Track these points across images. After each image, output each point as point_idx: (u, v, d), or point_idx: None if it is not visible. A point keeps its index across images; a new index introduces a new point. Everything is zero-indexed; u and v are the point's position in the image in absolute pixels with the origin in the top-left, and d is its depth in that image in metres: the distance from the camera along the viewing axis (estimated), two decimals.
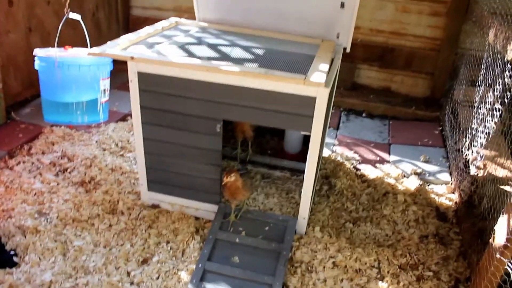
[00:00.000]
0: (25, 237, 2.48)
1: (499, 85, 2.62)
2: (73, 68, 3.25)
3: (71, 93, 3.34)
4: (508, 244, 1.88)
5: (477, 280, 2.12)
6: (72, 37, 3.91)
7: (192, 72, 2.27)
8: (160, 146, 2.53)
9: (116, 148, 3.34)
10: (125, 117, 3.83)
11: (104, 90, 3.43)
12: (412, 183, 3.17)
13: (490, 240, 2.01)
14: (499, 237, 1.95)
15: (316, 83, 2.07)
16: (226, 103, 2.31)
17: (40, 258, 2.36)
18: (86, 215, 2.64)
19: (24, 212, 2.65)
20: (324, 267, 2.38)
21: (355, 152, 3.59)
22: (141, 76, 2.34)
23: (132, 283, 2.25)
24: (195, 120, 2.39)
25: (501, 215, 1.98)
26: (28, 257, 2.36)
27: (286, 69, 2.19)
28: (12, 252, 2.40)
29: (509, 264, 1.89)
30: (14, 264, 2.34)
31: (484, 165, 2.77)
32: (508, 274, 1.91)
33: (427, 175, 3.35)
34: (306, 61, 2.33)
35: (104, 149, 3.31)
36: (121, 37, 2.49)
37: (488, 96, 2.80)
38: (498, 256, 1.92)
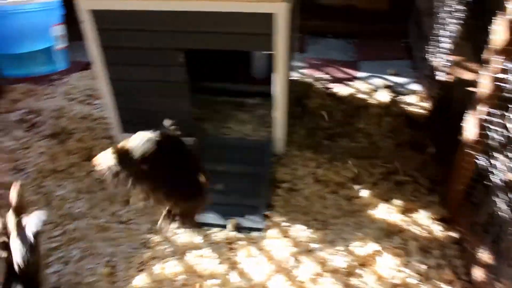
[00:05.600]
0: (5, 191, 2.46)
1: None
2: (19, 16, 3.09)
3: (23, 42, 3.19)
4: (477, 139, 1.94)
5: (452, 179, 2.20)
6: None
7: (146, 3, 2.19)
8: (127, 85, 2.48)
9: (83, 97, 3.26)
10: (87, 66, 3.72)
11: (59, 36, 3.29)
12: (383, 96, 3.20)
13: (461, 138, 2.07)
14: (468, 134, 2.01)
15: None
16: (187, 31, 2.25)
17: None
18: (64, 165, 2.62)
19: (1, 170, 2.61)
20: (306, 184, 2.44)
21: (325, 73, 3.59)
22: (96, 14, 2.25)
23: (120, 222, 2.28)
24: (157, 53, 2.34)
25: (468, 113, 2.03)
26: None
27: None
28: None
29: (479, 158, 1.96)
30: None
31: (451, 70, 2.80)
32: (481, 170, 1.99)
33: (397, 87, 3.38)
34: None
35: (71, 99, 3.24)
36: None
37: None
38: (468, 151, 1.99)
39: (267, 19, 2.14)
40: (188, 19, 2.20)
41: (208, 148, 2.57)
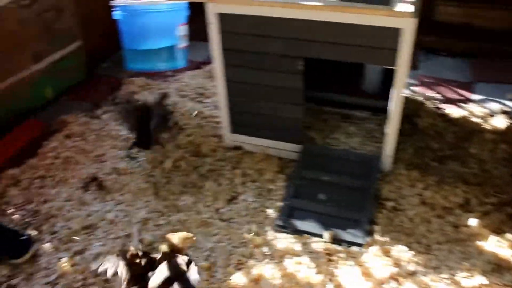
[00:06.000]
0: (119, 176, 2.65)
1: None
2: (151, 15, 3.31)
3: (150, 40, 3.42)
4: None
5: None
6: None
7: (273, 10, 2.24)
8: (242, 88, 2.55)
9: (194, 95, 3.40)
10: (199, 65, 3.88)
11: (182, 36, 3.48)
12: (499, 122, 3.01)
13: None
14: None
15: (402, 13, 1.99)
16: (308, 39, 2.27)
17: (134, 198, 2.50)
18: (172, 158, 2.74)
19: (116, 156, 2.81)
20: (411, 204, 2.36)
21: (437, 92, 3.45)
22: (221, 17, 2.34)
23: (222, 220, 2.34)
24: (276, 59, 2.38)
25: None
26: (123, 197, 2.52)
27: (369, 2, 2.11)
28: (26, 236, 2.26)
29: None
30: (27, 248, 2.21)
31: None
32: None
33: None
34: None
35: (183, 96, 3.39)
36: None
37: None
38: None
39: (394, 33, 2.10)
40: (312, 28, 2.22)
41: (315, 157, 2.57)
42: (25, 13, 3.08)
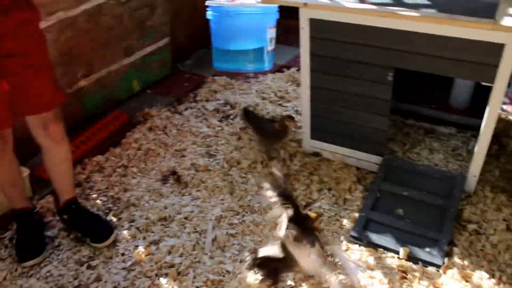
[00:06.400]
0: (197, 172, 2.71)
1: None
2: (242, 17, 3.38)
3: (240, 41, 3.48)
4: None
5: None
6: None
7: (366, 18, 2.20)
8: (326, 94, 2.54)
9: (275, 98, 3.43)
10: (281, 68, 3.90)
11: (271, 38, 3.52)
12: None
13: None
14: None
15: (507, 28, 1.89)
16: (400, 50, 2.22)
17: (210, 195, 2.56)
18: (250, 159, 2.78)
19: (195, 152, 2.88)
20: (495, 230, 2.24)
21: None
22: (313, 22, 2.34)
23: None
24: (366, 67, 2.34)
25: None
26: (200, 193, 2.57)
27: (469, 14, 2.02)
28: (108, 221, 2.40)
29: None
30: (109, 234, 2.31)
31: None
32: None
33: None
34: (490, 7, 2.12)
35: (264, 98, 3.42)
36: None
37: None
38: None
39: (495, 49, 2.00)
40: (406, 38, 2.17)
41: (395, 170, 2.51)
42: (121, 10, 3.23)
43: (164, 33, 3.68)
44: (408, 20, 2.11)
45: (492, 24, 1.92)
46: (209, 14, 3.55)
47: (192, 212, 2.45)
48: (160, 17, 3.58)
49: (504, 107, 3.31)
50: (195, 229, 2.35)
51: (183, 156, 2.86)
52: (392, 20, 2.15)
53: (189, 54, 4.21)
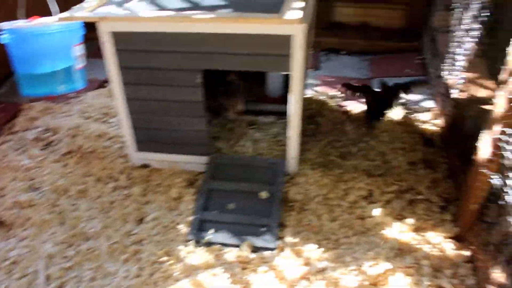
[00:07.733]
0: (21, 210, 2.51)
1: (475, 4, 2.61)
2: (43, 37, 3.16)
3: (45, 62, 3.25)
4: (492, 158, 1.93)
5: (465, 198, 2.18)
6: (38, 8, 3.78)
7: (166, 25, 2.23)
8: (144, 104, 2.52)
9: (98, 115, 3.31)
10: (102, 84, 3.78)
11: (79, 56, 3.35)
12: (397, 113, 3.19)
13: (475, 157, 2.06)
14: (482, 153, 1.99)
15: (291, 21, 2.05)
16: (203, 52, 2.28)
17: (39, 231, 2.39)
18: (78, 184, 2.65)
19: (16, 189, 2.65)
20: (318, 203, 2.44)
21: (338, 90, 3.59)
22: (116, 35, 2.30)
23: (134, 242, 2.29)
24: (175, 73, 2.37)
25: (483, 132, 2.01)
26: (27, 232, 2.38)
27: (260, 11, 2.16)
28: None
29: (493, 177, 1.95)
30: None
31: (465, 88, 2.79)
32: (495, 189, 1.97)
33: (411, 104, 3.37)
34: (279, 3, 2.29)
35: (87, 118, 3.28)
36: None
37: (465, 18, 2.79)
38: (482, 170, 1.97)
39: (284, 40, 2.16)
40: (206, 40, 2.24)
41: (222, 167, 2.59)
42: None
43: None
44: (203, 23, 2.18)
45: (278, 18, 2.07)
46: (5, 38, 3.24)
47: (20, 255, 2.26)
48: None
49: (318, 88, 3.62)
50: (24, 272, 2.17)
51: (3, 195, 2.62)
52: (189, 24, 2.21)
53: (1, 82, 3.86)
